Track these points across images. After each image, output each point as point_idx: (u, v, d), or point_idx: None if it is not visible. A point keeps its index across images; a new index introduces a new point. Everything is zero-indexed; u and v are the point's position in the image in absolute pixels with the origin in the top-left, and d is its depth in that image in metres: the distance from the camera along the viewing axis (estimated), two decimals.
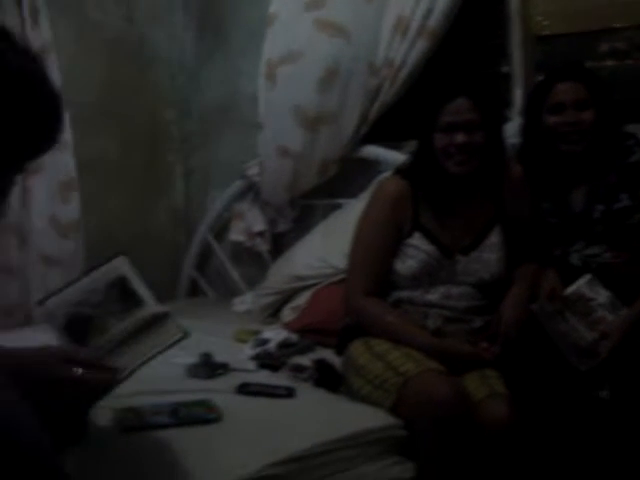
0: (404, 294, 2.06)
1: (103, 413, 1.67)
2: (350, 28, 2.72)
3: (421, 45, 2.66)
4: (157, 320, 1.41)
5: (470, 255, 2.06)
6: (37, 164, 2.84)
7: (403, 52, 2.68)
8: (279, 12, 2.88)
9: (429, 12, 2.62)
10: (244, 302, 3.03)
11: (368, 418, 1.81)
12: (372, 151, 2.89)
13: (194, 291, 3.50)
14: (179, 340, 1.40)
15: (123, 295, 1.41)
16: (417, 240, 2.05)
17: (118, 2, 3.37)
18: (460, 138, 1.99)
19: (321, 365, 2.08)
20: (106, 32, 3.33)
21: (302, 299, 2.69)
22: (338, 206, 2.92)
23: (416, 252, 2.04)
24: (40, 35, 2.84)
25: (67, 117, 3.12)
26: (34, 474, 1.09)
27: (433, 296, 2.04)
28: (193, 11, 3.56)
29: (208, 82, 3.51)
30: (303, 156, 2.87)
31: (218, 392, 1.87)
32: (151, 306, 1.41)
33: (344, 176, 2.96)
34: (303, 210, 3.09)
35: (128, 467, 1.47)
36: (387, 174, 2.30)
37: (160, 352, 1.39)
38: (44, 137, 1.26)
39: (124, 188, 3.42)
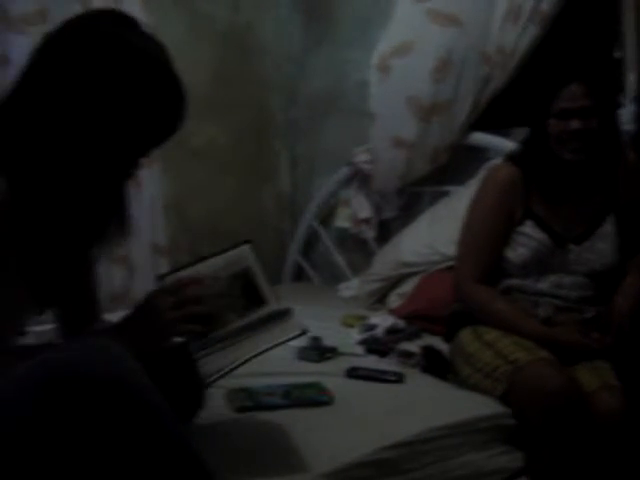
0: (514, 282, 2.04)
1: (217, 393, 1.73)
2: (462, 17, 2.72)
3: (532, 31, 2.63)
4: (277, 316, 1.38)
5: (583, 244, 2.02)
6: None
7: (514, 38, 2.65)
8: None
9: None
10: (350, 288, 3.06)
11: (477, 406, 1.80)
12: (480, 138, 2.86)
13: (299, 276, 3.55)
14: (297, 336, 1.39)
15: (246, 291, 1.36)
16: (529, 228, 2.02)
17: None
18: (575, 124, 1.95)
19: (429, 352, 2.08)
20: (215, 23, 3.40)
21: (408, 286, 2.70)
22: (445, 193, 2.91)
23: (528, 240, 2.01)
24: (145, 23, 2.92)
25: None
26: (160, 441, 1.15)
27: (544, 285, 2.01)
28: (300, 0, 3.59)
29: (315, 70, 3.54)
30: (416, 145, 2.88)
31: (328, 375, 1.91)
32: (273, 304, 1.38)
33: (452, 163, 2.94)
34: (409, 197, 3.08)
35: (240, 446, 1.51)
36: (497, 161, 2.28)
37: (276, 345, 1.38)
38: (168, 119, 1.30)
39: (232, 175, 3.49)
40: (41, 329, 1.58)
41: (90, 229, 1.38)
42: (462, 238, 2.11)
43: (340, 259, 3.36)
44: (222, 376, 1.40)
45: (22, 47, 2.49)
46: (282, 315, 1.38)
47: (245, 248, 1.40)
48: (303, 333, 1.39)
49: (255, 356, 1.38)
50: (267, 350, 1.37)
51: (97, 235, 1.40)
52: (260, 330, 1.36)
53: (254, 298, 1.37)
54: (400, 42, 2.85)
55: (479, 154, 2.85)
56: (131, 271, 2.99)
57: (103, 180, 1.30)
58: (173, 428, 1.17)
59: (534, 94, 2.08)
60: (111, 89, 1.24)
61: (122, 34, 1.26)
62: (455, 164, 2.94)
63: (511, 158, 2.11)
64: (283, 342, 1.38)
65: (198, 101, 3.24)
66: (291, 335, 1.37)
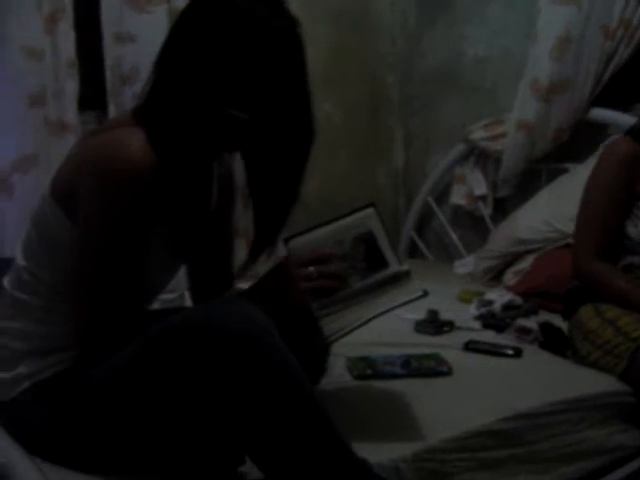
0: (636, 260, 2.00)
1: (337, 361, 1.79)
2: None
3: None
4: (398, 278, 1.38)
5: None
6: None
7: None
8: None
9: None
10: (465, 265, 3.05)
11: (597, 382, 1.79)
12: (601, 114, 2.80)
13: (413, 253, 3.56)
14: (418, 298, 1.38)
15: (369, 253, 1.38)
16: None
17: None
18: None
19: (547, 328, 2.07)
20: (330, 0, 3.43)
21: (526, 263, 2.68)
22: (563, 170, 2.87)
23: None
24: None
25: None
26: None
27: None
28: None
29: (430, 47, 3.53)
30: (538, 126, 2.85)
31: (445, 348, 1.93)
32: (395, 266, 1.38)
33: (570, 140, 2.89)
34: (526, 175, 3.05)
35: (361, 412, 1.56)
36: (617, 136, 2.23)
37: (397, 307, 1.39)
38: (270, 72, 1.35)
39: (347, 152, 3.53)
40: (166, 297, 1.66)
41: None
42: (581, 214, 2.07)
43: (454, 236, 3.36)
44: (343, 335, 1.42)
45: (147, 26, 2.61)
46: (403, 277, 1.38)
47: (369, 211, 1.40)
48: (424, 295, 1.38)
49: (376, 317, 1.39)
50: (388, 311, 1.38)
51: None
52: (381, 291, 1.37)
53: (377, 261, 1.38)
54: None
55: (599, 130, 2.79)
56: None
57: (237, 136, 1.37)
58: (304, 387, 1.22)
59: None
60: (226, 48, 1.31)
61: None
62: (574, 140, 2.88)
63: (630, 133, 2.07)
64: (404, 304, 1.38)
65: (314, 78, 3.28)
66: (412, 297, 1.37)
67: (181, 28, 1.36)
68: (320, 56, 3.37)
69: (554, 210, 2.65)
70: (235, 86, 1.32)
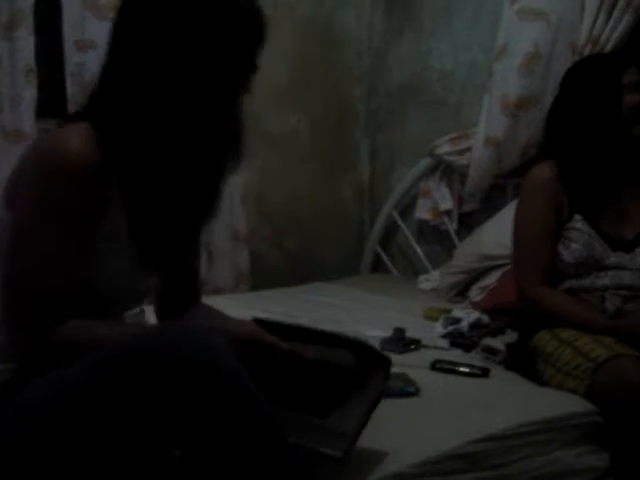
0: (574, 283, 1.99)
1: None
2: (549, 11, 2.69)
3: (627, 20, 2.59)
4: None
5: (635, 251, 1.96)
6: None
7: (608, 29, 2.61)
8: None
9: None
10: (430, 280, 3.04)
11: (564, 403, 1.77)
12: None
13: (377, 267, 3.54)
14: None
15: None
16: (579, 223, 1.97)
17: None
18: None
19: (514, 348, 2.05)
20: (296, 12, 3.40)
21: (491, 279, 2.67)
22: None
23: (579, 235, 1.96)
24: None
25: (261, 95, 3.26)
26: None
27: (604, 280, 1.96)
28: None
29: (396, 60, 3.52)
30: (506, 142, 2.85)
31: (413, 367, 1.90)
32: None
33: (536, 155, 2.89)
34: (492, 189, 3.04)
35: None
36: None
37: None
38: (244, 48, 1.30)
39: (312, 165, 3.51)
40: (132, 312, 1.60)
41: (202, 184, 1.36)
42: (515, 243, 2.09)
43: (419, 250, 3.34)
44: None
45: (108, 33, 2.55)
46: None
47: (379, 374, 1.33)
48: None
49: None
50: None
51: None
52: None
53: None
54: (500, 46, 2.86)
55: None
56: (211, 258, 3.04)
57: (209, 128, 1.30)
58: (267, 415, 1.17)
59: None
60: (188, 22, 1.25)
61: None
62: (540, 156, 2.88)
63: (548, 156, 2.08)
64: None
65: (279, 90, 3.32)
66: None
67: (130, 12, 1.29)
68: (285, 68, 3.35)
69: None
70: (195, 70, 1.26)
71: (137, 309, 1.52)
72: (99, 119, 1.26)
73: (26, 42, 2.48)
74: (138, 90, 1.25)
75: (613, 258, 1.96)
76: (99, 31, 2.54)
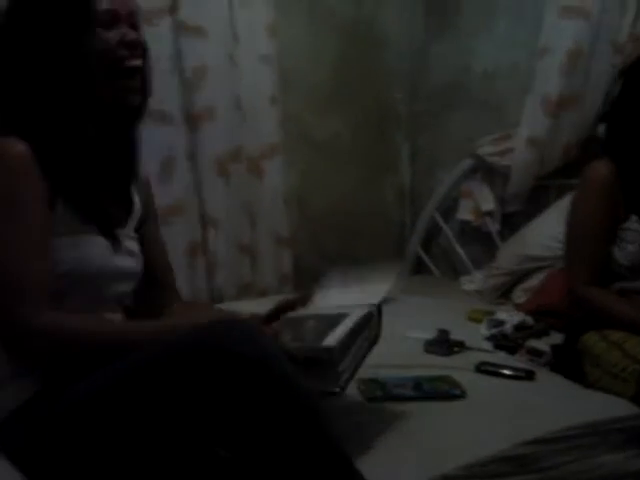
0: (626, 285, 1.98)
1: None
2: (589, 8, 2.67)
3: None
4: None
5: None
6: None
7: None
8: None
9: None
10: (473, 281, 3.03)
11: (611, 406, 1.75)
12: None
13: (419, 268, 3.54)
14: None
15: None
16: (635, 223, 1.95)
17: None
18: None
19: (559, 350, 2.04)
20: (336, 16, 3.42)
21: (535, 280, 2.65)
22: (572, 186, 2.82)
23: (634, 236, 1.95)
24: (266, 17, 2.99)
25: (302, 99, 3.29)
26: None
27: None
28: None
29: (437, 61, 3.52)
30: (548, 143, 2.84)
31: (457, 369, 1.90)
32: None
33: (579, 155, 2.87)
34: (534, 190, 3.02)
35: (372, 436, 1.52)
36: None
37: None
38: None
39: (353, 168, 3.51)
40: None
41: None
42: (568, 242, 2.07)
43: (461, 252, 3.33)
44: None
45: None
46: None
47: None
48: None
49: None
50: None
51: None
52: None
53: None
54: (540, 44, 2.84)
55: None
56: (255, 261, 3.06)
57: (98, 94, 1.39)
58: (316, 415, 1.19)
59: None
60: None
61: None
62: (583, 156, 2.86)
63: (607, 153, 2.05)
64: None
65: (321, 95, 3.34)
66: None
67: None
68: (326, 72, 3.37)
69: (563, 227, 2.62)
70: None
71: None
72: (14, 125, 1.35)
73: None
74: (30, 91, 1.36)
75: None
76: None
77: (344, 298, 1.53)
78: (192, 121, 2.83)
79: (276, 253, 3.11)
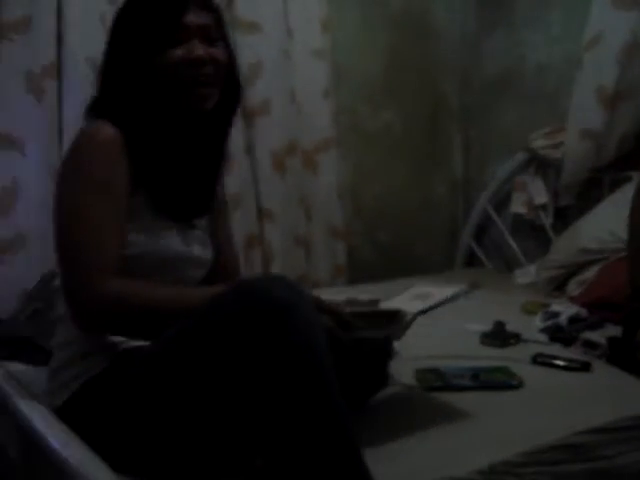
0: None
1: (406, 372, 1.80)
2: None
3: None
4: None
5: None
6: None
7: None
8: None
9: None
10: (527, 274, 3.03)
11: None
12: None
13: (471, 261, 3.56)
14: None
15: None
16: None
17: None
18: None
19: (615, 342, 2.04)
20: (389, 8, 3.44)
21: (589, 273, 2.64)
22: (627, 179, 2.83)
23: None
24: (320, 11, 3.03)
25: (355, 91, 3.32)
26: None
27: None
28: None
29: (490, 53, 3.52)
30: (603, 135, 2.82)
31: (513, 360, 1.93)
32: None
33: (633, 148, 2.85)
34: (588, 183, 3.02)
35: (432, 424, 1.56)
36: None
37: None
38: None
39: (406, 160, 3.54)
40: None
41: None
42: (630, 235, 2.06)
43: (514, 245, 3.34)
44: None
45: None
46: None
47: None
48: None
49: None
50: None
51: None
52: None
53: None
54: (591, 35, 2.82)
55: None
56: (310, 253, 3.11)
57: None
58: (332, 387, 1.20)
59: None
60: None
61: None
62: (637, 148, 2.85)
63: None
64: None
65: (373, 86, 3.38)
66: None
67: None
68: (378, 64, 3.40)
69: (618, 219, 2.61)
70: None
71: None
72: (109, 113, 1.44)
73: None
74: (122, 87, 1.46)
75: None
76: None
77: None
78: (248, 116, 2.89)
79: (330, 245, 3.15)
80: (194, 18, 1.44)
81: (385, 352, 1.63)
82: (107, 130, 1.40)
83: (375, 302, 1.61)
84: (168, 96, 1.45)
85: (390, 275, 3.20)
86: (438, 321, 2.31)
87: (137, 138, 1.43)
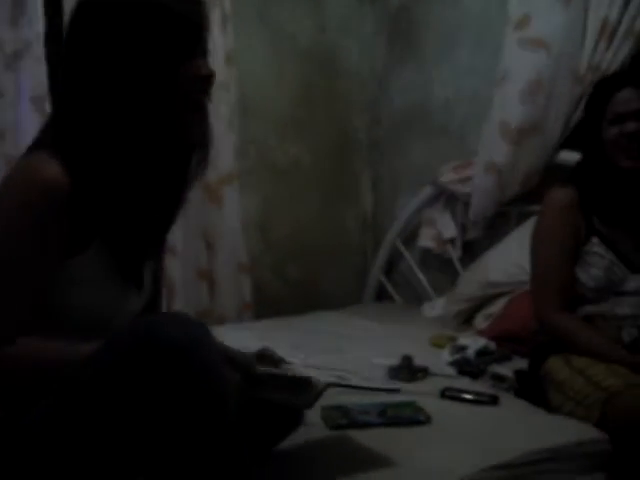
0: (592, 309, 1.99)
1: (311, 411, 1.72)
2: (550, 40, 2.70)
3: (627, 47, 2.60)
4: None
5: None
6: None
7: (609, 56, 2.61)
8: None
9: (638, 14, 2.55)
10: (434, 308, 3.03)
11: (574, 431, 1.75)
12: (569, 156, 2.80)
13: (381, 295, 3.53)
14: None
15: None
16: (596, 246, 1.97)
17: (311, 12, 3.47)
18: (631, 127, 1.92)
19: (522, 375, 2.04)
20: (299, 42, 3.44)
21: (496, 306, 2.66)
22: (533, 213, 2.85)
23: (597, 259, 1.96)
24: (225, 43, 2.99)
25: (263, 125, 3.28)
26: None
27: (623, 309, 1.95)
28: (383, 19, 3.59)
29: (398, 89, 3.54)
30: (507, 170, 2.85)
31: (421, 395, 1.89)
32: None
33: (540, 182, 2.89)
34: (495, 217, 3.04)
35: (337, 462, 1.52)
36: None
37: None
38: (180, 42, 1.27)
39: (314, 194, 3.51)
40: None
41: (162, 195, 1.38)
42: (533, 268, 2.08)
43: (423, 279, 3.33)
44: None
45: None
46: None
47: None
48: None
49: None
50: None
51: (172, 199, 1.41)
52: None
53: None
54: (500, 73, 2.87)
55: (567, 173, 2.79)
56: (214, 287, 3.03)
57: (163, 140, 1.31)
58: (227, 405, 1.17)
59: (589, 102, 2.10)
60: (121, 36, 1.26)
61: None
62: (543, 183, 2.88)
63: (567, 180, 2.08)
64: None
65: (282, 120, 3.34)
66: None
67: (74, 36, 1.31)
68: (287, 98, 3.37)
69: (524, 252, 2.62)
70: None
71: None
72: (62, 145, 1.27)
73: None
74: (93, 111, 1.26)
75: (633, 283, 1.95)
76: None
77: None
78: None
79: (236, 280, 3.07)
80: (204, 32, 1.32)
81: (294, 420, 1.57)
82: (52, 170, 1.22)
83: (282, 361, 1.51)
84: (169, 120, 1.29)
85: (299, 310, 3.14)
86: (345, 354, 2.26)
87: (94, 187, 1.26)
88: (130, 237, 1.32)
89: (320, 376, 1.45)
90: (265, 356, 1.48)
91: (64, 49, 1.32)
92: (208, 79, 1.31)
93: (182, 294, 2.90)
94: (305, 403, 1.44)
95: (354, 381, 1.53)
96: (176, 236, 2.85)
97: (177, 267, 2.89)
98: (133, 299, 1.40)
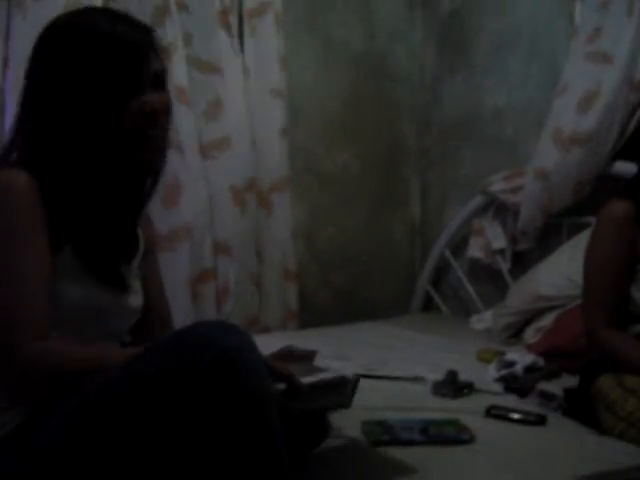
0: None
1: (353, 424, 1.70)
2: (616, 53, 2.66)
3: None
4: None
5: None
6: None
7: None
8: None
9: None
10: (483, 320, 2.97)
11: (627, 454, 1.68)
12: (624, 167, 2.73)
13: (428, 306, 3.49)
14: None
15: None
16: None
17: (362, 19, 3.45)
18: None
19: (572, 394, 1.97)
20: (349, 50, 3.41)
21: (547, 320, 2.59)
22: (585, 225, 2.78)
23: None
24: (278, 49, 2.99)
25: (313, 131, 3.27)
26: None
27: None
28: (434, 26, 3.56)
29: (448, 97, 3.50)
30: (556, 176, 2.79)
31: (466, 412, 1.84)
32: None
33: (592, 193, 2.82)
34: (546, 229, 2.97)
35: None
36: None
37: None
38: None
39: (362, 203, 3.49)
40: None
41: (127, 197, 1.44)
42: (585, 283, 2.01)
43: (471, 290, 3.27)
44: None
45: None
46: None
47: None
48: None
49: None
50: None
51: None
52: None
53: None
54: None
55: (621, 184, 2.72)
56: (262, 295, 3.02)
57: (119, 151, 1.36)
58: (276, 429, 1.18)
59: None
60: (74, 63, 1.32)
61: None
62: (596, 194, 2.81)
63: (624, 193, 2.00)
64: None
65: (331, 127, 3.33)
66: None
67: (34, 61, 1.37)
68: (337, 105, 3.35)
69: (577, 266, 2.56)
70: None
71: None
72: (25, 164, 1.33)
73: None
74: (48, 134, 1.33)
75: None
76: None
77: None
78: (206, 149, 2.84)
79: (282, 288, 3.06)
80: (155, 64, 1.36)
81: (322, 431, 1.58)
82: (22, 176, 1.29)
83: (313, 353, 1.51)
84: (118, 150, 1.35)
85: (344, 320, 3.12)
86: (388, 368, 2.23)
87: (59, 191, 1.33)
88: (94, 241, 1.37)
89: (346, 369, 1.48)
90: (288, 354, 1.48)
91: (24, 78, 1.39)
92: (156, 114, 1.34)
93: (235, 295, 2.90)
94: (343, 404, 1.45)
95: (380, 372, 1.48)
96: (231, 237, 2.87)
97: (231, 268, 2.89)
98: (127, 297, 1.43)
